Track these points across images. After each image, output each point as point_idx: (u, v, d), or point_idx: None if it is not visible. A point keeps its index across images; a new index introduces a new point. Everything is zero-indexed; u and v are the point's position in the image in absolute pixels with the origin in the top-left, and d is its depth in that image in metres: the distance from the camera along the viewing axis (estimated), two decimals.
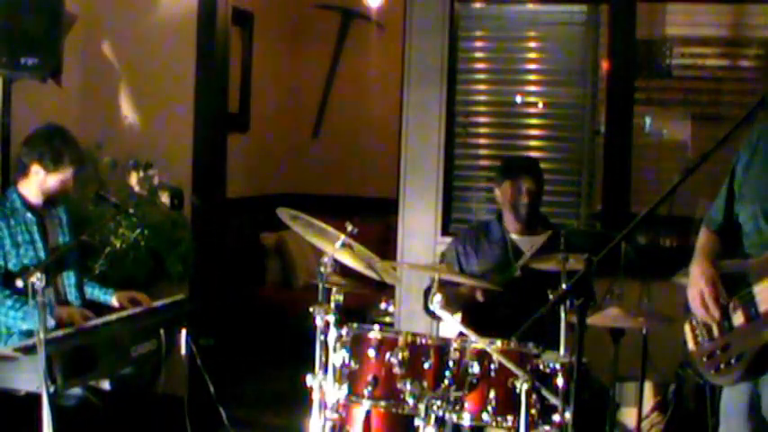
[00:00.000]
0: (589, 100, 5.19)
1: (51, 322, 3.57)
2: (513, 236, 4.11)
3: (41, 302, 3.03)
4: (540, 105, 5.26)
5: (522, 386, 3.02)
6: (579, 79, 5.20)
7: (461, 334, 3.29)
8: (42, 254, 3.87)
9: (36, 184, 3.88)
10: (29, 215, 3.88)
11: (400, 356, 3.22)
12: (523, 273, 3.96)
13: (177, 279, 4.94)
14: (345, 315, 3.45)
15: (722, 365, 2.83)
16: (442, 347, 3.23)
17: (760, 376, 2.82)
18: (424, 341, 3.26)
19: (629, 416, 4.16)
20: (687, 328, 2.99)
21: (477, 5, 5.38)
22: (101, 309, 4.10)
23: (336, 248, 3.38)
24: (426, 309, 3.87)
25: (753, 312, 2.75)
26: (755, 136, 2.97)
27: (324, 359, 3.39)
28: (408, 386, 3.18)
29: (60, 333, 3.45)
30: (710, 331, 2.90)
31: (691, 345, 2.97)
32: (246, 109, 7.02)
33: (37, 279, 3.03)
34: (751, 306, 2.76)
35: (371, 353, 3.28)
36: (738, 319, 2.80)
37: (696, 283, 2.87)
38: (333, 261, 3.44)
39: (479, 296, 3.90)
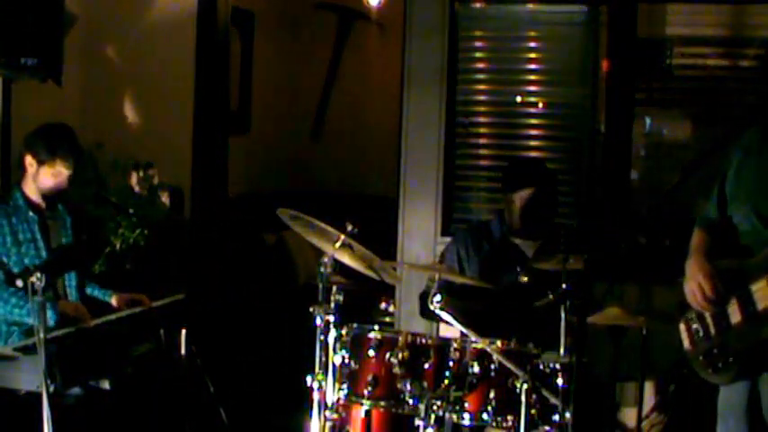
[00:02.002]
0: (589, 100, 5.19)
1: (50, 320, 3.57)
2: (515, 239, 4.09)
3: (41, 302, 3.03)
4: (540, 105, 5.25)
5: (522, 386, 3.02)
6: (579, 79, 5.20)
7: (462, 334, 3.29)
8: (44, 253, 3.86)
9: (31, 179, 3.87)
10: (30, 214, 3.88)
11: (400, 356, 3.22)
12: (529, 277, 3.93)
13: (177, 279, 4.94)
14: (346, 315, 3.45)
15: (719, 364, 2.84)
16: (442, 347, 3.23)
17: (757, 375, 2.82)
18: (424, 341, 3.27)
19: (629, 416, 4.16)
20: (682, 327, 3.00)
21: (477, 5, 5.37)
22: (101, 308, 4.10)
23: (336, 248, 3.38)
24: (423, 313, 3.87)
25: (750, 310, 2.76)
26: (746, 139, 2.98)
27: (324, 359, 3.39)
28: (408, 386, 3.18)
29: (60, 333, 3.46)
30: (707, 330, 2.90)
31: (687, 344, 2.98)
32: (246, 109, 7.02)
33: (36, 279, 3.03)
34: (749, 304, 2.76)
35: (371, 353, 3.28)
36: (735, 317, 2.80)
37: (693, 277, 2.89)
38: (333, 261, 3.44)
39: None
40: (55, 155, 3.81)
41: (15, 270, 3.71)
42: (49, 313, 3.53)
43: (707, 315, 2.90)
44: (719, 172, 3.05)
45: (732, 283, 2.83)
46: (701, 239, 3.03)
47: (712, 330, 2.88)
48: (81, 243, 4.15)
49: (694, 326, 2.94)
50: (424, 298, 3.34)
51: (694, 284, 2.87)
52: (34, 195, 3.90)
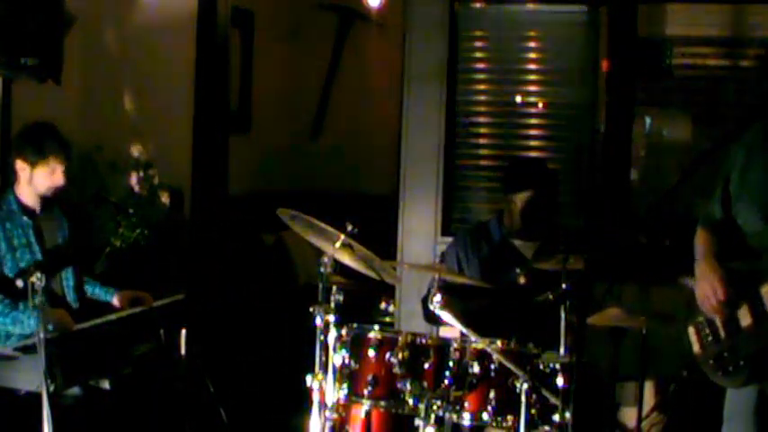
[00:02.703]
0: (589, 100, 5.19)
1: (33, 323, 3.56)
2: (514, 240, 4.09)
3: (41, 302, 3.02)
4: (540, 105, 5.26)
5: (522, 386, 3.02)
6: (579, 79, 5.20)
7: (462, 334, 3.29)
8: (39, 257, 3.85)
9: (26, 182, 3.85)
10: (25, 219, 3.86)
11: (400, 356, 3.22)
12: (528, 278, 3.94)
13: (176, 279, 4.94)
14: (346, 315, 3.45)
15: (730, 368, 2.83)
16: (442, 347, 3.23)
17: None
18: (423, 341, 3.26)
19: (629, 416, 4.16)
20: (692, 330, 2.98)
21: (477, 5, 5.37)
22: (101, 308, 4.10)
23: (336, 248, 3.38)
24: (426, 317, 3.87)
25: (760, 313, 2.75)
26: (750, 138, 2.96)
27: (324, 359, 3.39)
28: (408, 386, 3.18)
29: (60, 333, 3.45)
30: (717, 333, 2.89)
31: (696, 347, 2.96)
32: (246, 109, 7.02)
33: (37, 279, 3.02)
34: (758, 307, 2.76)
35: (371, 353, 3.28)
36: (746, 320, 2.79)
37: (705, 280, 2.87)
38: (333, 261, 3.44)
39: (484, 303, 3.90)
40: (45, 153, 3.78)
41: (11, 276, 3.70)
42: (33, 321, 3.50)
43: (716, 318, 2.89)
44: (723, 172, 3.04)
45: (742, 285, 2.82)
46: (708, 241, 3.01)
47: (722, 333, 2.87)
48: (77, 241, 4.14)
49: (704, 329, 2.93)
50: (427, 302, 3.33)
51: (707, 288, 2.85)
52: (29, 199, 3.88)
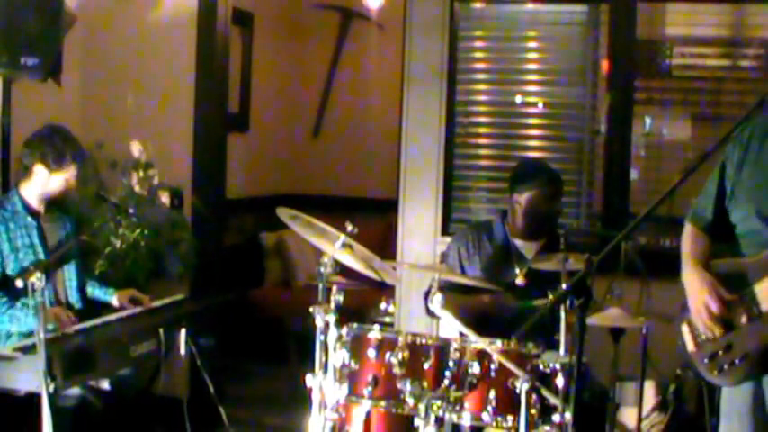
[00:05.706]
0: (589, 100, 5.19)
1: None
2: (516, 240, 4.10)
3: (41, 302, 3.03)
4: (540, 105, 5.25)
5: (522, 386, 3.02)
6: (579, 79, 5.20)
7: (461, 334, 3.29)
8: (42, 258, 3.86)
9: (39, 185, 3.87)
10: (29, 219, 3.87)
11: (400, 356, 3.22)
12: (527, 278, 3.94)
13: (177, 279, 4.94)
14: (345, 315, 3.45)
15: (726, 366, 2.82)
16: (442, 347, 3.23)
17: (765, 375, 2.81)
18: (424, 341, 3.26)
19: (629, 416, 4.16)
20: (685, 328, 2.97)
21: (477, 5, 5.37)
22: (101, 308, 4.10)
23: (336, 248, 3.38)
24: (428, 311, 3.87)
25: (755, 311, 2.75)
26: (747, 135, 2.94)
27: (324, 359, 3.39)
28: (408, 386, 3.18)
29: (60, 333, 3.45)
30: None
31: (690, 346, 2.96)
32: (246, 109, 7.02)
33: (37, 279, 3.03)
34: (753, 305, 2.75)
35: (371, 353, 3.28)
36: (740, 318, 2.79)
37: (698, 294, 2.84)
38: (333, 261, 3.44)
39: (486, 300, 3.90)
40: (67, 162, 3.86)
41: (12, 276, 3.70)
42: (31, 319, 3.50)
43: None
44: (718, 168, 3.02)
45: (734, 283, 2.81)
46: (696, 239, 2.99)
47: (717, 332, 2.86)
48: (79, 242, 4.15)
49: (698, 328, 2.92)
50: (428, 296, 3.33)
51: (700, 303, 2.83)
52: (34, 200, 3.90)
